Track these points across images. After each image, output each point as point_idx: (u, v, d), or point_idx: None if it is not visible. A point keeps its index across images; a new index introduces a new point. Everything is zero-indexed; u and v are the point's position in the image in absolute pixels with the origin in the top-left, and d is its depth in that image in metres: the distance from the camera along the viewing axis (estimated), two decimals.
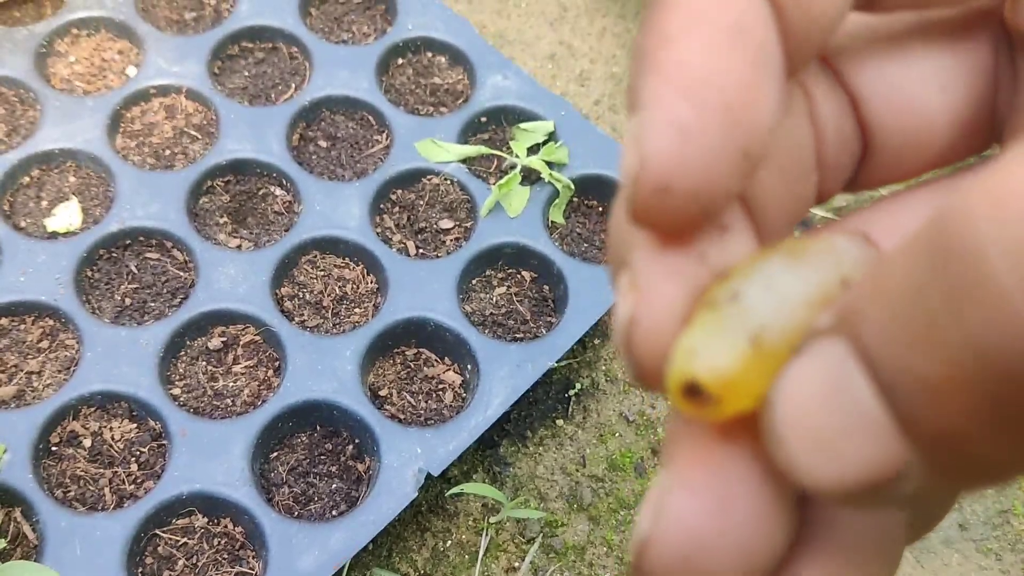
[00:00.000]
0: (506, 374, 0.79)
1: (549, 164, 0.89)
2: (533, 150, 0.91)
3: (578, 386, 0.89)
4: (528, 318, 0.85)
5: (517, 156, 0.90)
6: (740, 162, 0.19)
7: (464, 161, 0.90)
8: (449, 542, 0.81)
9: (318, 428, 0.78)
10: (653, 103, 0.19)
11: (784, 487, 0.18)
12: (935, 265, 0.15)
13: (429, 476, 0.75)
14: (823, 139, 0.24)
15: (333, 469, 0.77)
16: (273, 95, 0.93)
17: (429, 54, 0.98)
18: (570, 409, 0.88)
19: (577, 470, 0.86)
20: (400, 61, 0.98)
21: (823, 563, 0.20)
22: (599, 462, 0.87)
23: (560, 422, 0.88)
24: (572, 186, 0.89)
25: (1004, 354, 0.14)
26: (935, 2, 0.23)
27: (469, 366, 0.81)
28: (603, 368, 0.91)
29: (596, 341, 0.91)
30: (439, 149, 0.90)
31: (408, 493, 0.73)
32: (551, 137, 0.92)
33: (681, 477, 0.19)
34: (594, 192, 0.92)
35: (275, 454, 0.77)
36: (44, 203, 0.85)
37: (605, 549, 0.83)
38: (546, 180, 0.89)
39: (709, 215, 0.19)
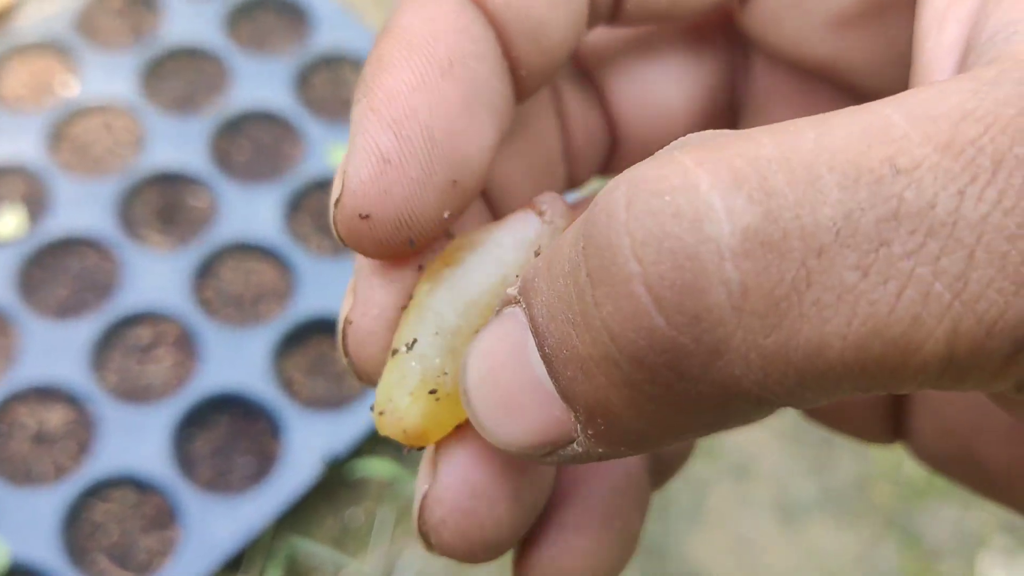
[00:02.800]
0: None
1: None
2: None
3: None
4: None
5: None
6: (448, 190, 0.20)
7: None
8: (358, 511, 0.91)
9: (236, 412, 0.88)
10: (360, 131, 0.20)
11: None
12: (584, 248, 0.16)
13: (335, 458, 0.85)
14: (571, 133, 0.26)
15: (252, 448, 0.87)
16: (199, 108, 1.02)
17: (345, 66, 1.07)
18: None
19: None
20: (319, 74, 1.07)
21: (578, 513, 0.23)
22: None
23: None
24: None
25: (630, 340, 0.15)
26: (672, 15, 0.24)
27: None
28: None
29: None
30: None
31: (315, 471, 0.84)
32: None
33: (441, 454, 0.22)
34: None
35: (197, 434, 0.87)
36: None
37: None
38: None
39: (418, 239, 0.21)
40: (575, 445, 0.18)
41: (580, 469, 0.24)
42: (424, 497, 0.21)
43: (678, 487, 0.96)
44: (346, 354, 0.21)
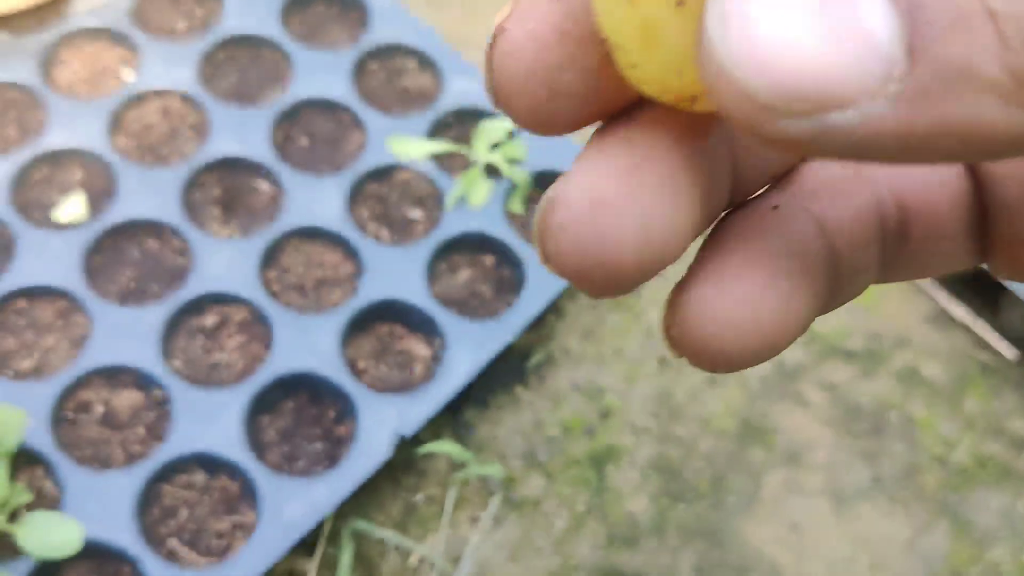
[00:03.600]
0: (471, 348, 0.90)
1: (509, 160, 1.00)
2: (495, 147, 1.02)
3: (535, 357, 1.00)
4: (489, 298, 0.96)
5: (479, 152, 1.00)
6: None
7: (432, 157, 1.00)
8: (420, 496, 0.92)
9: (303, 396, 0.89)
10: None
11: (697, 171, 0.18)
12: None
13: (402, 438, 0.85)
14: None
15: (317, 432, 0.87)
16: (259, 97, 1.03)
17: (399, 59, 1.08)
18: (527, 378, 0.99)
19: (534, 432, 0.97)
20: (373, 65, 1.07)
21: (740, 262, 0.18)
22: (553, 425, 0.97)
23: (519, 389, 0.99)
24: (530, 180, 1.00)
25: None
26: None
27: (438, 341, 0.92)
28: (557, 342, 1.02)
29: (551, 318, 1.02)
30: (409, 146, 1.00)
31: (383, 453, 0.84)
32: (510, 135, 1.03)
33: (592, 146, 0.18)
34: (550, 185, 1.02)
35: (266, 418, 0.87)
36: (53, 197, 0.94)
37: (558, 501, 0.94)
38: (505, 175, 0.99)
39: None
40: (873, 104, 0.13)
41: (752, 225, 0.19)
42: (550, 191, 0.18)
43: (732, 474, 0.97)
44: (490, 67, 0.18)
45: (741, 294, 0.17)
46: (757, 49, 0.13)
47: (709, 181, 0.18)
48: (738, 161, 0.19)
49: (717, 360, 0.18)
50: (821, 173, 0.20)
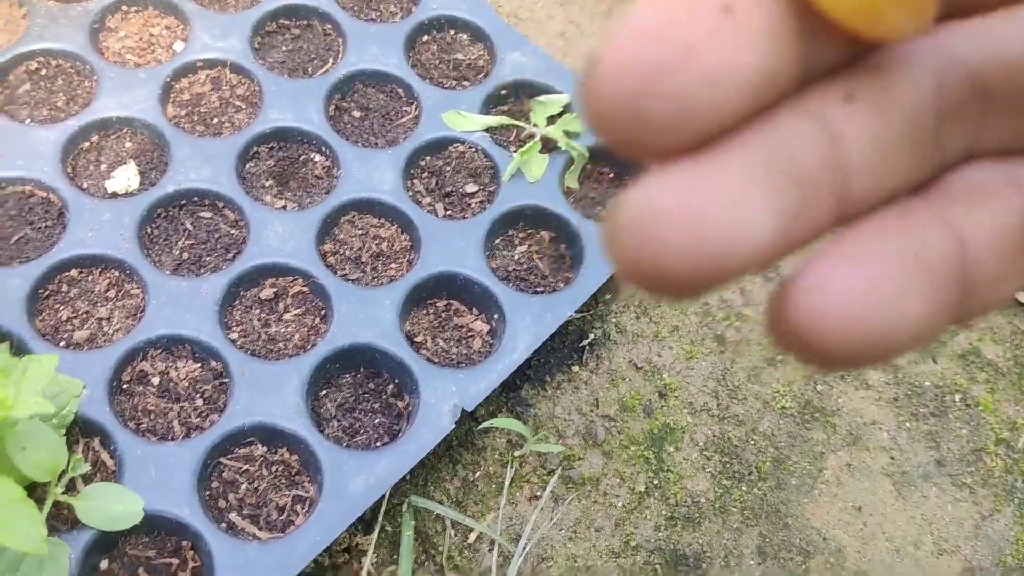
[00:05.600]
0: (529, 323, 0.88)
1: (566, 133, 0.98)
2: (551, 121, 0.99)
3: (591, 336, 0.98)
4: (547, 274, 0.94)
5: (536, 126, 0.98)
6: None
7: (487, 131, 0.98)
8: (478, 473, 0.90)
9: (361, 370, 0.87)
10: None
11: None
12: None
13: (463, 411, 0.83)
14: None
15: (376, 406, 0.85)
16: (310, 69, 1.01)
17: (452, 32, 1.06)
18: (584, 357, 0.97)
19: (591, 411, 0.95)
20: (425, 38, 1.05)
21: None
22: (611, 404, 0.95)
23: (576, 368, 0.97)
24: (586, 154, 0.98)
25: None
26: None
27: (495, 316, 0.89)
28: (613, 320, 0.99)
29: (607, 296, 0.99)
30: (464, 120, 0.98)
31: (445, 426, 0.82)
32: (567, 109, 1.00)
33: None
34: (605, 160, 1.00)
35: (324, 392, 0.85)
36: (103, 166, 0.92)
37: (617, 480, 0.91)
38: (563, 148, 0.97)
39: None
40: None
41: (878, 227, 0.18)
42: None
43: (795, 456, 0.95)
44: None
45: (862, 293, 0.17)
46: None
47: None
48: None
49: (832, 358, 0.17)
50: (966, 179, 0.20)
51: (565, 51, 1.17)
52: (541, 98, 1.00)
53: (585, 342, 0.98)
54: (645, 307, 1.01)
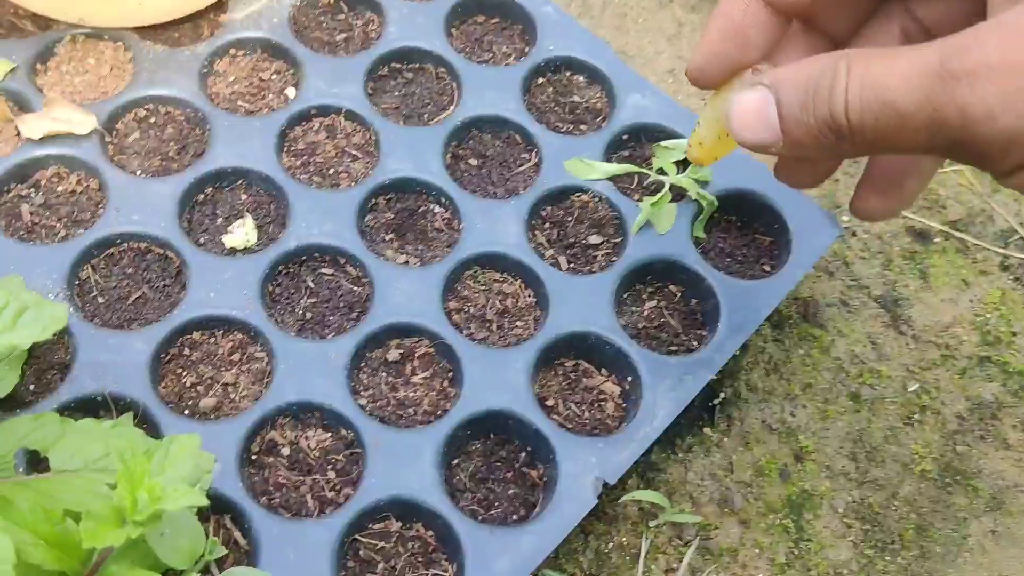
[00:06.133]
0: (667, 387, 0.84)
1: (695, 181, 0.93)
2: (678, 167, 0.95)
3: (722, 395, 0.93)
4: (680, 331, 0.89)
5: (664, 173, 0.93)
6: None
7: (610, 179, 0.94)
8: (611, 544, 0.85)
9: (491, 436, 0.83)
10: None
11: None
12: (821, 82, 0.47)
13: (606, 484, 0.79)
14: None
15: (509, 475, 0.81)
16: (425, 115, 0.97)
17: (568, 73, 1.02)
18: (715, 417, 0.93)
19: (726, 476, 0.90)
20: (540, 80, 1.01)
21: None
22: (745, 468, 0.91)
23: (707, 430, 0.92)
24: (716, 203, 0.93)
25: (831, 123, 0.46)
26: None
27: (629, 378, 0.85)
28: (743, 378, 0.95)
29: (736, 352, 0.95)
30: (587, 167, 0.94)
31: (587, 500, 0.78)
32: None
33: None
34: (733, 208, 0.95)
35: (455, 461, 0.81)
36: (220, 220, 0.89)
37: (756, 551, 0.87)
38: (693, 197, 0.93)
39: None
40: (774, 148, 0.50)
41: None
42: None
43: (938, 523, 0.90)
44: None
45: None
46: (737, 124, 0.53)
47: None
48: None
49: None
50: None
51: (675, 89, 1.12)
52: (665, 143, 0.96)
53: (715, 401, 0.93)
54: (775, 363, 0.96)
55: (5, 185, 0.87)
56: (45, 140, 0.88)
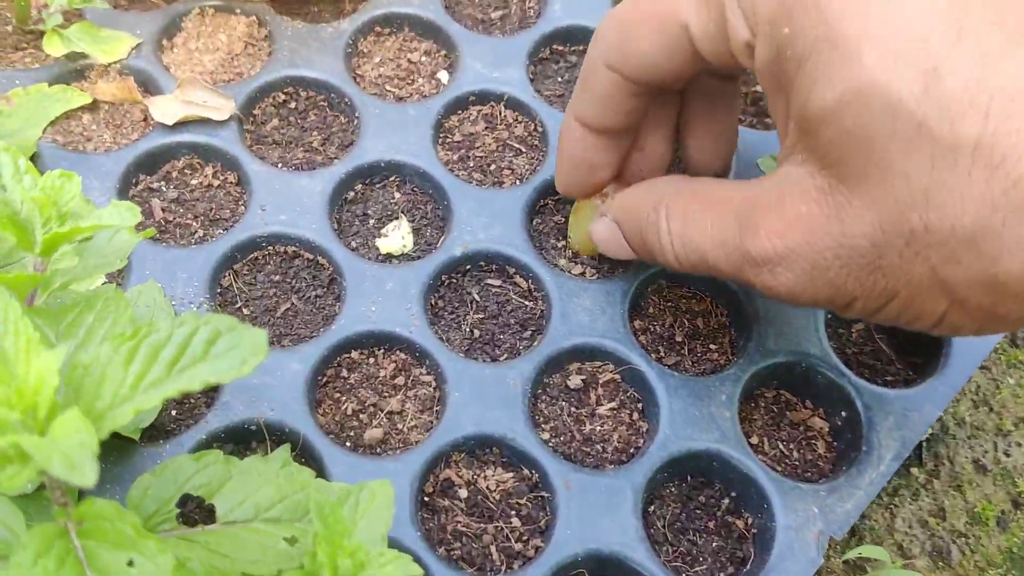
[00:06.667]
0: (891, 424, 0.72)
1: None
2: None
3: (928, 430, 0.82)
4: (893, 358, 0.78)
5: None
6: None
7: None
8: None
9: (689, 478, 0.72)
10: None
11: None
12: (648, 229, 0.62)
13: (831, 539, 0.68)
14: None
15: (711, 525, 0.70)
16: None
17: None
18: (922, 455, 0.81)
19: (938, 524, 0.79)
20: None
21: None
22: (959, 514, 0.79)
23: (913, 470, 0.81)
24: None
25: (662, 259, 0.62)
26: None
27: (842, 412, 0.74)
28: (949, 411, 0.84)
29: (955, 398, 0.83)
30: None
31: (813, 558, 0.67)
32: None
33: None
34: None
35: (651, 508, 0.70)
36: (371, 222, 0.78)
37: None
38: None
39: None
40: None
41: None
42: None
43: None
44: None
45: None
46: (600, 246, 0.71)
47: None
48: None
49: None
50: None
51: None
52: None
53: (921, 438, 0.82)
54: (984, 395, 0.85)
55: (133, 176, 0.77)
56: (178, 126, 0.78)
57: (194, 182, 0.78)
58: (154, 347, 0.46)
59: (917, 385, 0.75)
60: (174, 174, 0.78)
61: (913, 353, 0.79)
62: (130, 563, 0.46)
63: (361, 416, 0.69)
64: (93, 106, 0.80)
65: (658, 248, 0.61)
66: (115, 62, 0.80)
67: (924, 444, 0.82)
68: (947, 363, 0.75)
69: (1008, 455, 0.83)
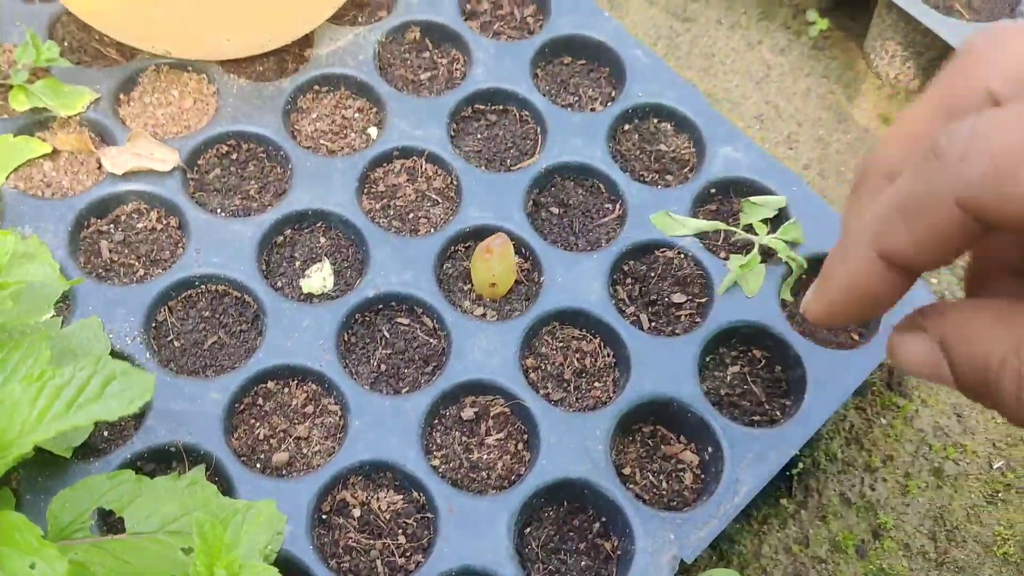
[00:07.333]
0: (750, 460, 0.81)
1: (787, 242, 0.90)
2: (766, 225, 0.92)
3: (800, 465, 0.90)
4: (763, 399, 0.86)
5: (756, 233, 0.90)
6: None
7: (697, 235, 0.91)
8: None
9: (565, 504, 0.80)
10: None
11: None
12: (1003, 384, 0.38)
13: (682, 562, 0.76)
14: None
15: (581, 546, 0.79)
16: (508, 159, 0.95)
17: (655, 120, 0.99)
18: (792, 487, 0.90)
19: (801, 550, 0.87)
20: (626, 127, 0.99)
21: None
22: (821, 543, 0.88)
23: (783, 501, 0.89)
24: (805, 265, 0.90)
25: (987, 397, 0.38)
26: None
27: (709, 448, 0.82)
28: (823, 447, 0.92)
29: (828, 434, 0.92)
30: (674, 223, 0.91)
31: None
32: (781, 213, 0.93)
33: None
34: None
35: (527, 529, 0.79)
36: (297, 264, 0.87)
37: None
38: (783, 259, 0.90)
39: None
40: None
41: None
42: None
43: None
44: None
45: None
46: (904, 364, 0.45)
47: None
48: None
49: None
50: None
51: (763, 136, 1.09)
52: (754, 199, 0.93)
53: (794, 471, 0.90)
54: (856, 433, 0.93)
55: (85, 220, 0.87)
56: (127, 175, 0.87)
57: (140, 225, 0.87)
58: (57, 387, 0.55)
59: (778, 425, 0.84)
60: (123, 218, 0.88)
61: (783, 395, 0.87)
62: (32, 566, 0.55)
63: (271, 441, 0.79)
64: (54, 155, 0.89)
65: (1014, 404, 0.42)
66: (75, 114, 0.90)
67: (795, 477, 0.90)
68: (807, 406, 0.84)
69: (873, 489, 0.91)
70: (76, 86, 0.91)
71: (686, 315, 0.89)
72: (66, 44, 0.96)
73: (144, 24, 0.88)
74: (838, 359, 0.86)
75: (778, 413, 0.86)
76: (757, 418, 0.85)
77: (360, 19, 1.01)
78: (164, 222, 0.88)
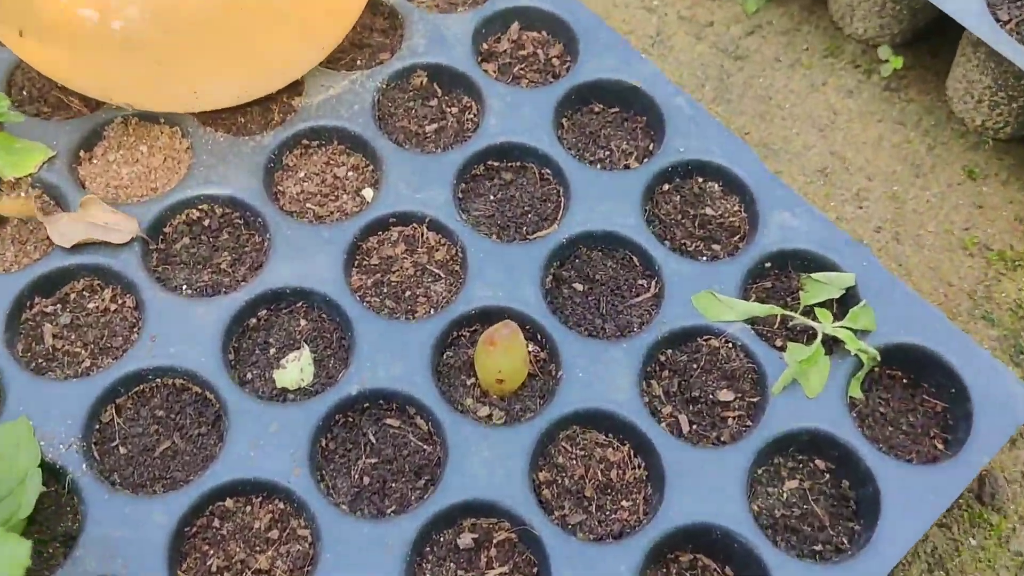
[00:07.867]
0: None
1: (855, 330, 0.75)
2: (826, 305, 0.77)
3: None
4: (826, 523, 0.71)
5: (820, 322, 0.75)
6: None
7: (748, 320, 0.76)
8: None
9: None
10: None
11: None
12: None
13: None
14: None
15: None
16: (523, 226, 0.81)
17: (700, 180, 0.85)
18: None
19: None
20: (666, 187, 0.84)
21: None
22: None
23: None
24: (878, 357, 0.75)
25: None
26: None
27: None
28: (900, 575, 0.76)
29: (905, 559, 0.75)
30: (721, 305, 0.76)
31: None
32: (849, 292, 0.78)
33: None
34: (897, 361, 0.77)
35: None
36: (272, 351, 0.74)
37: None
38: (851, 351, 0.74)
39: None
40: None
41: None
42: None
43: None
44: None
45: None
46: None
47: None
48: None
49: None
50: None
51: (827, 192, 0.94)
52: (818, 276, 0.78)
53: None
54: (940, 556, 0.77)
55: (28, 300, 0.75)
56: (78, 248, 0.75)
57: (91, 306, 0.75)
58: None
59: (845, 558, 0.68)
60: (72, 296, 0.76)
61: (850, 518, 0.72)
62: None
63: (226, 575, 0.65)
64: (2, 220, 0.78)
65: None
66: (25, 175, 0.78)
67: None
68: (881, 533, 0.68)
69: None
70: (31, 142, 0.80)
71: (734, 417, 0.74)
72: (25, 93, 0.85)
73: (100, 77, 0.76)
74: (920, 474, 0.71)
75: (845, 541, 0.70)
76: (819, 547, 0.70)
77: (359, 62, 0.89)
78: (119, 302, 0.75)
